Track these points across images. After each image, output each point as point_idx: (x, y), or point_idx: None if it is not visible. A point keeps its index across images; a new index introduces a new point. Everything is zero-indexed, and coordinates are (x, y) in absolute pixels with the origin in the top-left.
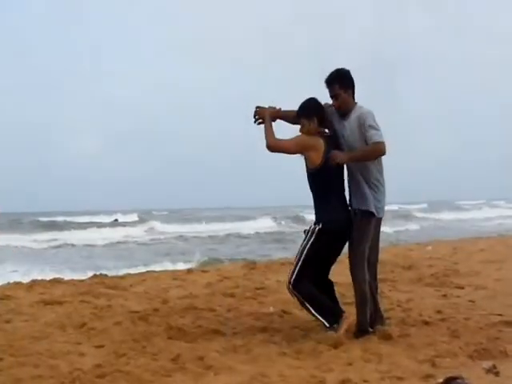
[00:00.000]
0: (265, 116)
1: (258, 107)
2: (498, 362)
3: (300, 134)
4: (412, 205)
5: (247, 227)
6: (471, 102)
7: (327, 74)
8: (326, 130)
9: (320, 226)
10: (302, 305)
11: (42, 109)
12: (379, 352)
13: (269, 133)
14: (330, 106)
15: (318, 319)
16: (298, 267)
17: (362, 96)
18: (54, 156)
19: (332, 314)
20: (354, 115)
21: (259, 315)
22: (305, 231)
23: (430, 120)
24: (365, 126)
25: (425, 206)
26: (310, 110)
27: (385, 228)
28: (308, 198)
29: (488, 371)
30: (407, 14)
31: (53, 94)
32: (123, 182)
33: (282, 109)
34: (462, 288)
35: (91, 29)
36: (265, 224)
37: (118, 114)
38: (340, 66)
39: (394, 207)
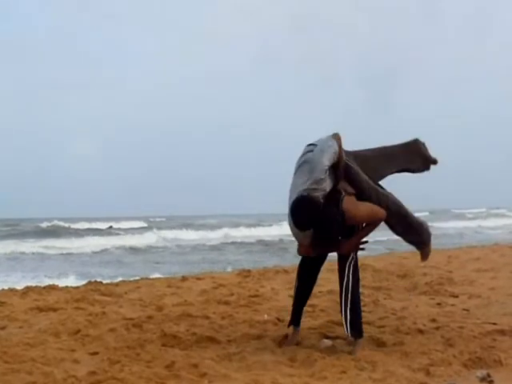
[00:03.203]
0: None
1: None
2: (492, 370)
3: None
4: (413, 213)
5: (247, 235)
6: (469, 110)
7: None
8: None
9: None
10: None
11: (39, 113)
12: (373, 360)
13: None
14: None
15: (346, 319)
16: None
17: (362, 104)
18: (52, 161)
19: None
20: None
21: (254, 323)
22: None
23: (427, 127)
24: None
25: (426, 214)
26: None
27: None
28: None
29: (482, 380)
30: (405, 24)
31: (51, 99)
32: (120, 187)
33: None
34: (457, 296)
35: (90, 34)
36: (266, 232)
37: (116, 122)
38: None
39: None
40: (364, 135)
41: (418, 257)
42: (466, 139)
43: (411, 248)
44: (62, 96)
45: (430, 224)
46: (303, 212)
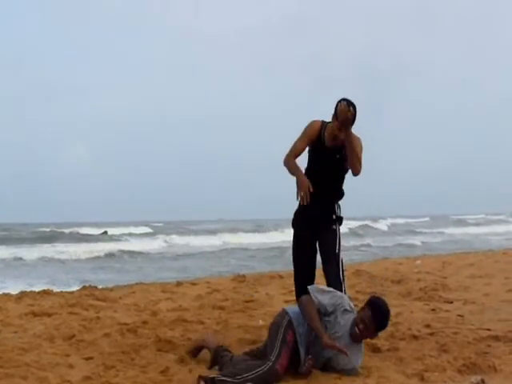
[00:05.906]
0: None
1: None
2: (486, 376)
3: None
4: (413, 219)
5: (244, 241)
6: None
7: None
8: None
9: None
10: None
11: (33, 119)
12: (368, 366)
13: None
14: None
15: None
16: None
17: (360, 105)
18: (47, 166)
19: None
20: None
21: (248, 328)
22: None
23: (421, 132)
24: None
25: (427, 219)
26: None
27: (413, 241)
28: None
29: None
30: (399, 28)
31: (49, 103)
32: (118, 191)
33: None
34: (451, 302)
35: (79, 41)
36: (263, 238)
37: (109, 126)
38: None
39: (400, 221)
40: (362, 136)
41: (413, 263)
42: (465, 142)
43: (406, 254)
44: (61, 98)
45: (434, 230)
46: None
